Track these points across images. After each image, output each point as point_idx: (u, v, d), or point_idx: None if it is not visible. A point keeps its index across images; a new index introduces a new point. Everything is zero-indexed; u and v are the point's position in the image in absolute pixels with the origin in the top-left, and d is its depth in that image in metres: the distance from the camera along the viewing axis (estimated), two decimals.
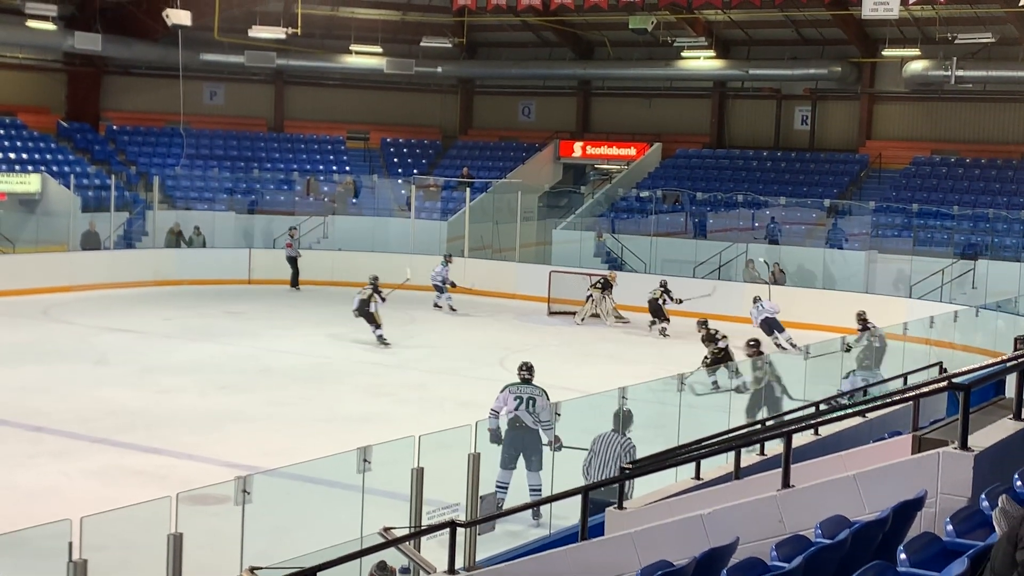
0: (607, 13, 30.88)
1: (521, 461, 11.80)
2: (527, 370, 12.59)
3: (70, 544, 6.69)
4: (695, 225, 31.12)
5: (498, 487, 11.20)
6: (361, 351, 21.67)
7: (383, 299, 22.33)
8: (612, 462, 10.88)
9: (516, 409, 11.93)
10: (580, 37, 36.29)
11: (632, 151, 35.65)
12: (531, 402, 11.95)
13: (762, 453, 9.41)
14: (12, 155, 31.30)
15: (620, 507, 8.09)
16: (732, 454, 8.63)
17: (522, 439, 11.87)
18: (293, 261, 29.81)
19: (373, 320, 22.10)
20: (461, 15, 33.54)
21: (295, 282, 29.67)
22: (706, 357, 18.25)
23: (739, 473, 8.35)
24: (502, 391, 12.25)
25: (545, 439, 11.78)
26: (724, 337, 18.74)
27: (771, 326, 23.12)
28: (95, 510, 7.09)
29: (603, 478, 10.65)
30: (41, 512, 10.23)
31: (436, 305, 27.08)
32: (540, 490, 11.53)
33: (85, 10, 32.82)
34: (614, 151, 36.14)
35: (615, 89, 37.36)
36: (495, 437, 11.78)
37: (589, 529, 7.53)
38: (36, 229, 28.65)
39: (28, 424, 14.88)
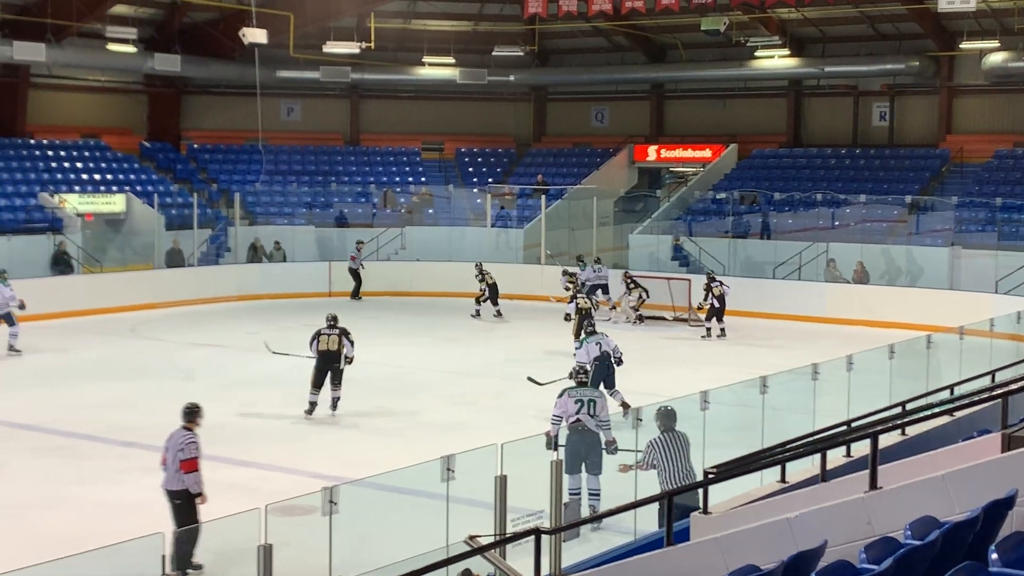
0: (679, 15, 30.76)
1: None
2: (584, 374, 12.99)
3: (163, 557, 6.81)
4: (762, 226, 30.75)
5: (571, 494, 11.21)
6: (441, 361, 21.77)
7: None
8: (684, 461, 10.83)
9: (577, 413, 11.98)
10: (652, 40, 36.16)
11: (707, 153, 35.42)
12: (592, 404, 12.03)
13: (848, 455, 9.31)
14: (97, 176, 32.00)
15: (705, 512, 8.05)
16: (818, 456, 8.54)
17: (585, 442, 11.93)
18: (355, 274, 30.17)
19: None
20: (532, 23, 33.61)
21: (356, 294, 30.01)
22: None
23: (825, 475, 8.27)
24: (560, 396, 12.31)
25: (604, 439, 11.88)
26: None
27: (605, 374, 16.80)
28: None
29: (679, 478, 10.63)
30: (133, 526, 10.43)
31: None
32: (599, 494, 11.54)
33: (164, 32, 33.46)
34: (689, 153, 35.94)
35: (688, 91, 37.16)
36: (552, 443, 11.81)
37: (675, 534, 7.50)
38: (122, 248, 29.25)
39: (118, 440, 15.17)
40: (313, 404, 16.64)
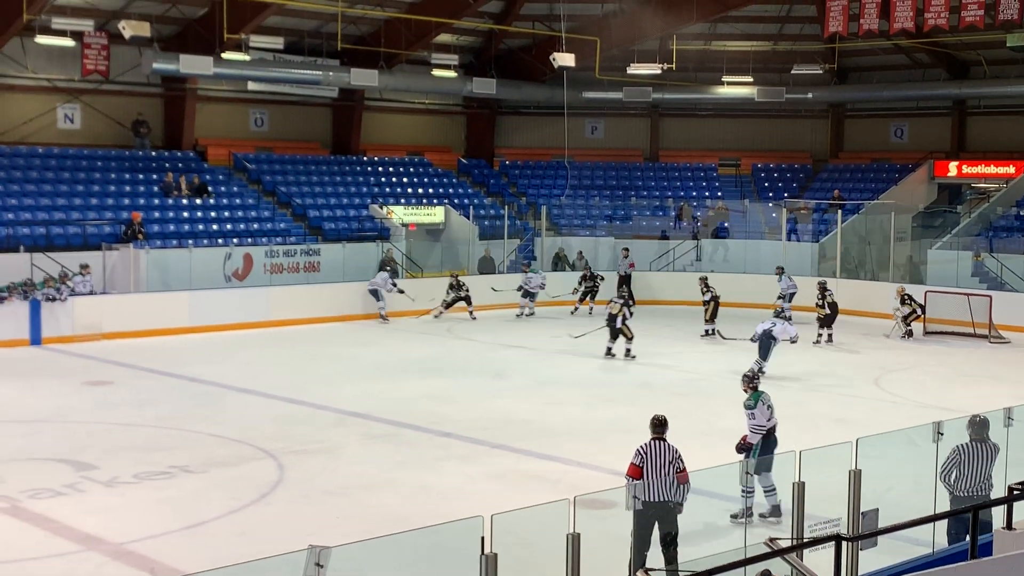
0: (984, 32, 29.17)
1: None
2: (756, 378, 12.52)
3: (482, 539, 7.03)
4: None
5: (745, 492, 11.06)
6: (734, 368, 21.49)
7: (631, 313, 22.39)
8: (981, 473, 10.25)
9: (770, 418, 12.02)
10: (954, 57, 34.47)
11: (1011, 169, 33.44)
12: (772, 409, 12.14)
13: None
14: (420, 190, 33.50)
15: (1009, 528, 7.61)
16: None
17: (768, 443, 11.99)
18: (625, 279, 30.10)
19: (620, 334, 21.98)
20: (832, 41, 32.68)
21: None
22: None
23: None
24: (754, 406, 12.04)
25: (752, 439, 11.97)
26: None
27: (766, 348, 20.22)
28: (496, 509, 7.41)
29: (974, 489, 10.10)
30: (449, 510, 10.87)
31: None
32: (775, 489, 11.40)
33: (481, 58, 34.65)
34: (992, 169, 34.02)
35: (992, 107, 35.17)
36: (745, 449, 12.00)
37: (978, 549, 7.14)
38: (440, 255, 30.46)
39: (438, 430, 15.78)
40: (608, 349, 21.99)
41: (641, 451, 9.98)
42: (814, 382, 20.30)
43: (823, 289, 24.67)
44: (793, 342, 20.54)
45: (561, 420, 16.71)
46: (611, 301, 22.88)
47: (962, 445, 10.39)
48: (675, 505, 9.78)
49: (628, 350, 22.02)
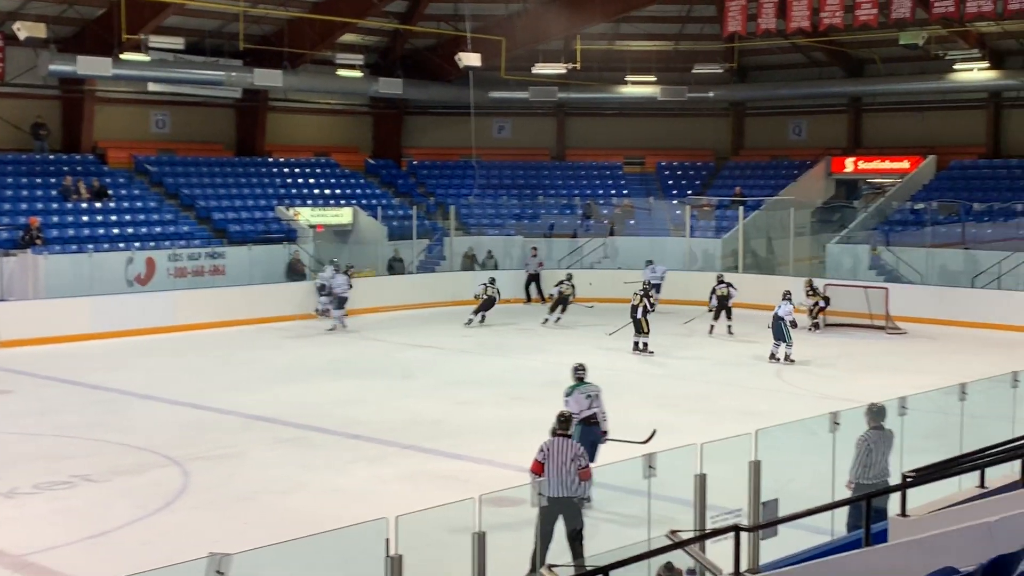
0: (877, 31, 29.84)
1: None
2: (582, 369, 13.01)
3: (387, 541, 7.00)
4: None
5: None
6: (645, 364, 21.73)
7: (652, 308, 22.55)
8: (884, 460, 10.53)
9: (589, 408, 12.35)
10: (850, 55, 35.22)
11: (905, 164, 34.27)
12: (596, 399, 12.54)
13: None
14: (327, 191, 33.24)
15: (903, 515, 7.80)
16: (1018, 462, 8.16)
17: (588, 433, 12.31)
18: (533, 277, 30.32)
19: (640, 328, 22.24)
20: (731, 41, 33.18)
21: (530, 298, 30.22)
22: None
23: None
24: (570, 395, 12.51)
25: (600, 429, 12.30)
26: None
27: (778, 330, 21.67)
28: (406, 510, 7.39)
29: (876, 476, 10.36)
30: (358, 512, 10.78)
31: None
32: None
33: (388, 58, 34.50)
34: (887, 165, 34.86)
35: (886, 104, 36.03)
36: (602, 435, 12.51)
37: (872, 536, 7.30)
38: (349, 256, 30.25)
39: (347, 432, 15.68)
40: (635, 344, 22.53)
41: (544, 447, 10.07)
42: (718, 375, 20.60)
43: (719, 282, 25.28)
44: (794, 325, 21.92)
45: (470, 419, 16.71)
46: (633, 293, 23.26)
47: (868, 434, 10.64)
48: (579, 500, 9.85)
49: (637, 343, 22.48)
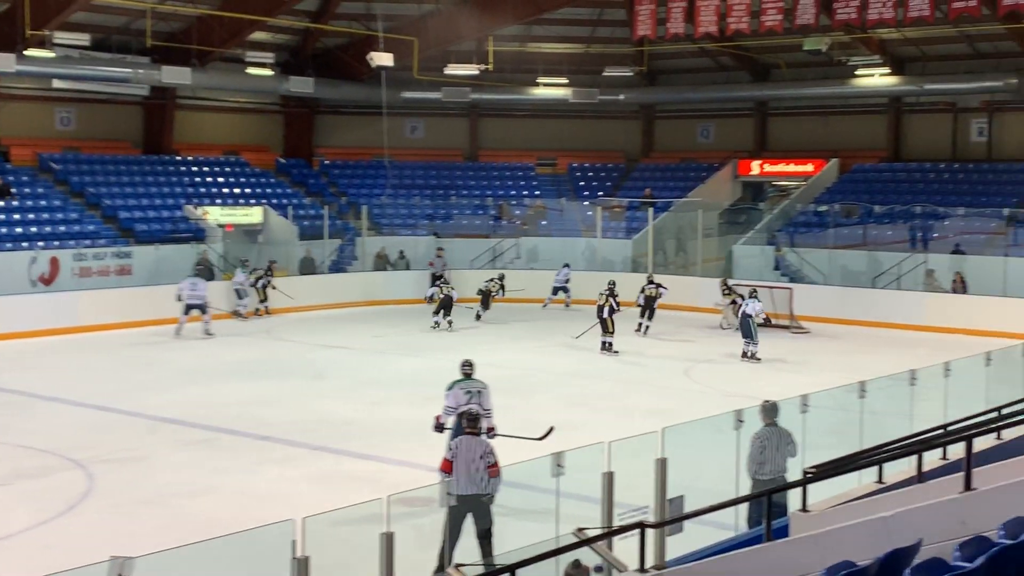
0: (782, 36, 30.35)
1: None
2: (469, 366, 13.03)
3: (293, 542, 6.94)
4: (912, 236, 30.18)
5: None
6: (558, 363, 21.83)
7: (617, 308, 22.81)
8: (780, 456, 10.71)
9: (467, 403, 12.30)
10: (756, 60, 35.78)
11: (809, 167, 34.94)
12: (479, 395, 12.48)
13: (944, 457, 9.11)
14: (237, 190, 32.80)
15: (804, 510, 7.95)
16: (914, 458, 8.38)
17: (463, 425, 12.13)
18: (435, 278, 30.32)
19: (606, 327, 22.37)
20: (641, 45, 33.52)
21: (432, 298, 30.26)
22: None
23: (922, 476, 8.11)
24: (450, 389, 12.61)
25: (485, 426, 12.08)
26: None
27: (747, 328, 22.05)
28: (316, 511, 7.33)
29: (771, 473, 10.54)
30: (268, 514, 10.66)
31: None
32: None
33: (298, 56, 34.17)
34: (791, 168, 35.50)
35: (791, 108, 36.68)
36: (439, 427, 12.55)
37: (774, 531, 7.42)
38: (259, 257, 29.90)
39: (256, 434, 15.50)
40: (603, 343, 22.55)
41: (453, 446, 10.11)
42: (628, 374, 20.79)
43: (649, 282, 25.63)
44: (768, 323, 23.00)
45: (382, 419, 16.64)
46: (599, 293, 23.27)
47: (761, 431, 10.80)
48: (487, 498, 9.88)
49: (604, 343, 22.46)
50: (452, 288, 26.63)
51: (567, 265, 29.93)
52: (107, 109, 32.16)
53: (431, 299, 26.53)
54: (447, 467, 10.01)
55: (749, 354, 21.82)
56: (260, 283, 27.60)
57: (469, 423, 10.37)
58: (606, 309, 22.58)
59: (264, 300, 27.61)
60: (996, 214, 29.41)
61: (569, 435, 13.04)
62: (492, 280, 28.00)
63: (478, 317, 27.15)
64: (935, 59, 33.26)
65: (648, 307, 25.23)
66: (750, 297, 22.49)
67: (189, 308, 24.11)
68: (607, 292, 23.07)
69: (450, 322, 25.82)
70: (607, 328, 22.57)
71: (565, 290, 29.31)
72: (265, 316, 27.42)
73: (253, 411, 16.89)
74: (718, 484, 11.43)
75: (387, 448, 14.80)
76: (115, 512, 11.99)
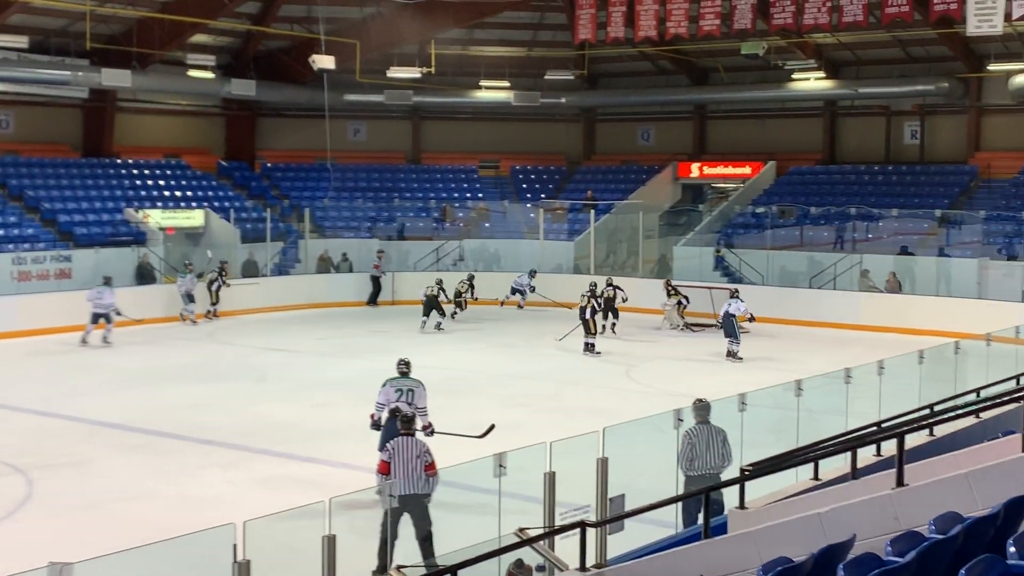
0: (720, 41, 30.65)
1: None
2: (405, 365, 13.14)
3: (235, 546, 6.89)
4: (839, 237, 30.56)
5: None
6: (498, 364, 21.85)
7: (599, 309, 23.00)
8: (716, 453, 10.81)
9: (397, 400, 12.52)
10: (695, 64, 36.07)
11: (747, 170, 35.28)
12: (410, 393, 12.63)
13: (878, 454, 9.24)
14: (178, 193, 32.45)
15: (742, 507, 8.03)
16: (849, 455, 8.49)
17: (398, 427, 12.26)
18: (376, 281, 30.34)
19: (588, 328, 22.43)
20: (582, 49, 33.66)
21: (373, 300, 30.21)
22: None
23: (856, 473, 8.22)
24: (384, 385, 12.76)
25: (420, 424, 12.21)
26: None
27: (729, 327, 22.23)
28: (258, 515, 7.29)
29: (711, 468, 10.66)
30: (210, 518, 10.55)
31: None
32: None
33: (240, 59, 33.88)
34: (730, 170, 35.83)
35: (729, 112, 37.03)
36: (375, 425, 12.68)
37: (712, 528, 7.49)
38: (203, 260, 29.62)
39: (199, 438, 15.35)
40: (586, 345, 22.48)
41: (390, 447, 10.14)
42: (570, 374, 20.86)
43: (608, 284, 25.77)
44: (752, 319, 23.01)
45: (325, 422, 16.54)
46: (581, 295, 23.23)
47: (691, 429, 10.90)
48: (426, 498, 9.89)
49: (587, 344, 22.39)
50: (443, 290, 26.79)
51: (534, 272, 29.93)
52: (46, 112, 31.67)
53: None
54: (384, 468, 10.06)
55: (732, 353, 21.97)
56: (214, 286, 27.27)
57: (404, 424, 10.40)
58: (588, 310, 22.61)
59: (216, 303, 27.30)
60: (929, 215, 29.91)
61: (511, 435, 13.06)
62: (462, 282, 28.44)
63: (453, 316, 27.42)
64: (869, 63, 33.75)
65: (608, 309, 25.24)
66: (732, 297, 22.69)
67: (96, 317, 23.36)
68: (589, 294, 23.11)
69: (438, 324, 26.05)
70: (589, 329, 22.60)
71: (523, 293, 29.45)
72: (215, 319, 27.14)
73: (195, 415, 16.72)
74: (658, 482, 11.50)
75: (330, 450, 14.72)
76: (54, 518, 11.82)
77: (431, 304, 26.02)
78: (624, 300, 25.85)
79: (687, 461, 10.86)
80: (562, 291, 28.71)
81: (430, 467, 10.04)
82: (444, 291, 27.09)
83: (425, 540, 9.69)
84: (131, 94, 32.39)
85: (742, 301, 22.68)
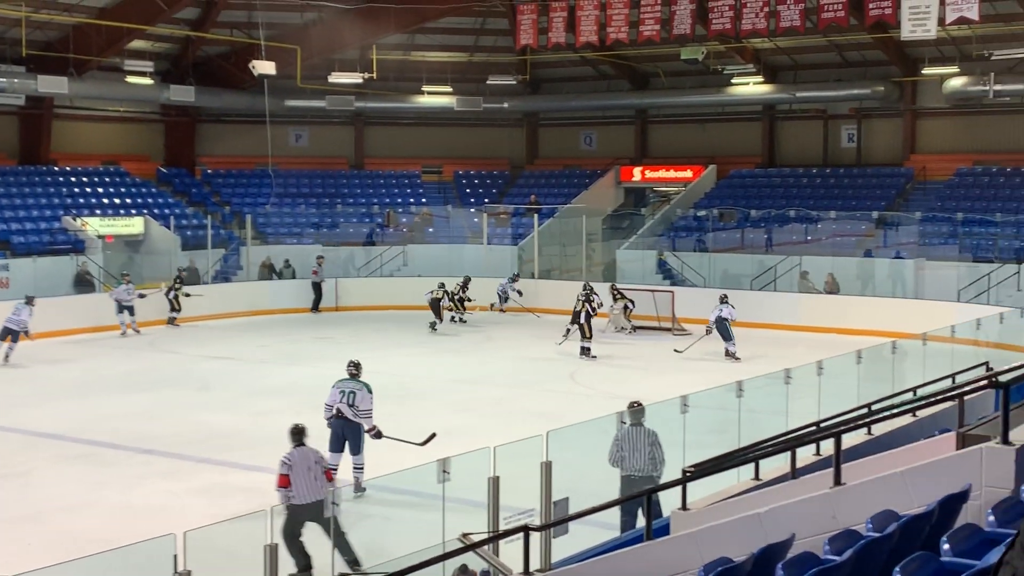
0: (660, 46, 30.88)
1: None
2: (355, 367, 13.40)
3: (175, 557, 6.81)
4: (767, 240, 30.89)
5: (330, 467, 11.56)
6: (444, 370, 21.81)
7: (594, 313, 23.06)
8: (645, 455, 10.91)
9: (339, 402, 12.77)
10: (636, 69, 36.29)
11: (688, 173, 35.53)
12: (351, 395, 12.82)
13: (817, 453, 9.34)
14: (117, 200, 32.04)
15: (684, 508, 8.08)
16: (789, 455, 8.57)
17: (342, 426, 12.76)
18: (317, 287, 30.22)
19: (583, 332, 22.51)
20: (524, 54, 33.75)
21: (316, 307, 30.05)
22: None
23: (795, 473, 8.30)
24: (333, 386, 13.01)
25: (366, 427, 12.61)
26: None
27: (724, 330, 22.62)
28: (200, 525, 7.22)
29: (637, 470, 10.79)
30: (152, 529, 10.43)
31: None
32: (362, 468, 12.63)
33: (179, 65, 33.54)
34: (671, 174, 36.07)
35: (670, 116, 37.28)
36: (378, 435, 12.88)
37: (655, 530, 7.53)
38: (141, 268, 29.26)
39: (139, 447, 15.16)
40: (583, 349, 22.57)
41: (286, 460, 10.27)
42: (514, 378, 20.87)
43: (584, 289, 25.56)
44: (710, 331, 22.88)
45: (268, 430, 16.31)
46: (576, 299, 23.23)
47: (621, 431, 11.01)
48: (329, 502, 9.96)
49: (583, 348, 22.39)
50: (446, 293, 27.29)
51: (516, 277, 30.02)
52: None
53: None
54: (285, 482, 10.17)
55: (731, 353, 22.20)
56: (172, 294, 26.95)
57: (295, 436, 10.58)
58: (583, 315, 22.63)
59: (177, 310, 27.03)
60: (866, 216, 30.33)
61: (456, 440, 13.04)
62: (458, 285, 28.55)
63: (461, 321, 27.95)
64: (806, 68, 34.17)
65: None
66: (722, 303, 22.89)
67: (6, 332, 22.49)
68: (583, 298, 23.10)
69: (432, 324, 26.47)
70: (584, 333, 22.61)
71: (504, 298, 29.62)
72: (176, 326, 26.99)
73: (135, 424, 16.50)
74: (602, 485, 11.54)
75: (272, 459, 14.43)
76: None
77: (436, 307, 26.44)
78: (600, 306, 25.83)
79: (616, 463, 10.99)
80: (550, 297, 28.76)
81: (328, 472, 10.41)
82: (448, 294, 27.25)
83: (339, 536, 9.71)
84: (68, 101, 31.97)
85: (733, 307, 22.89)
